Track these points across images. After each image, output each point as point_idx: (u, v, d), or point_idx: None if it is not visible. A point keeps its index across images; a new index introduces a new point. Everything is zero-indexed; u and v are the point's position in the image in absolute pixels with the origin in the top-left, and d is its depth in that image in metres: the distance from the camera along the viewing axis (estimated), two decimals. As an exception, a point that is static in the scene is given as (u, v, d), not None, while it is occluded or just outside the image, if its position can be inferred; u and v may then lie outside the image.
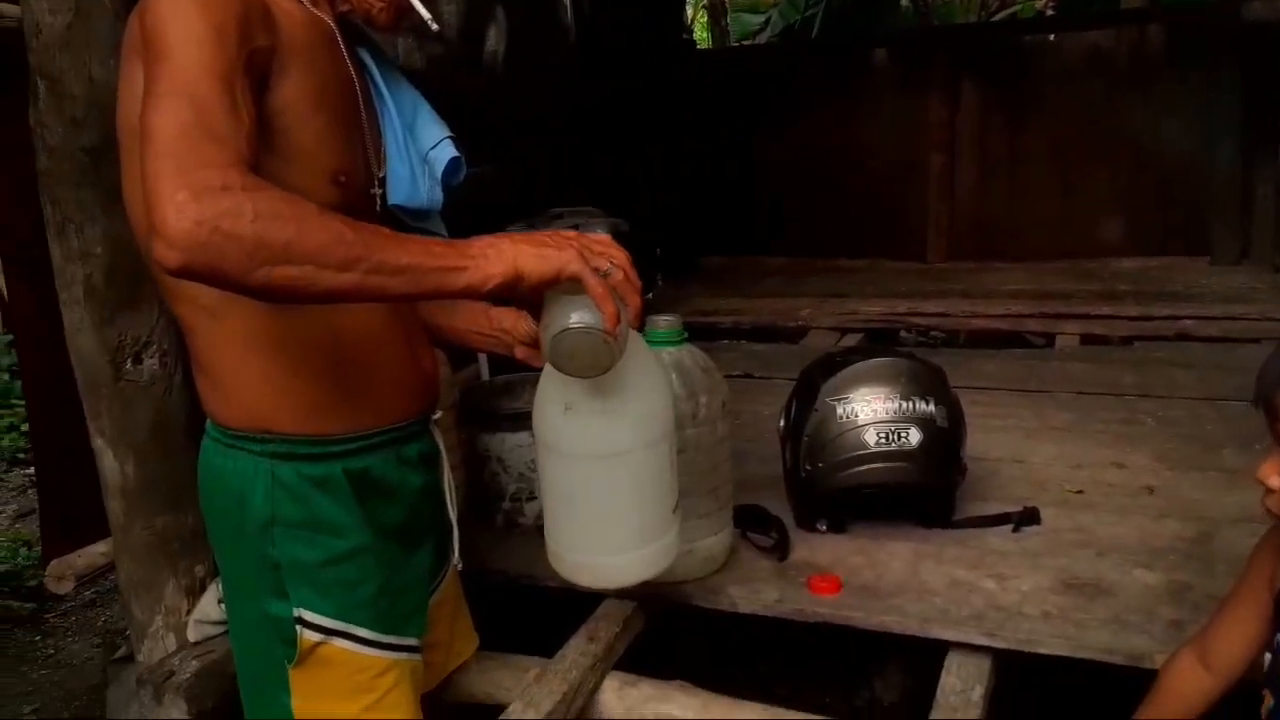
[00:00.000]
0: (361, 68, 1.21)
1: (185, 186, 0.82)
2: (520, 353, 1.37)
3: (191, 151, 0.85)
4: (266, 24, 1.02)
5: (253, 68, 0.98)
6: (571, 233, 1.04)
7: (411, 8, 1.16)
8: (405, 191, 1.22)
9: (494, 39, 3.43)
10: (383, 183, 1.21)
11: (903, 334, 4.02)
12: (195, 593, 1.59)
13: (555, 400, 1.23)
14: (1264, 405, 1.00)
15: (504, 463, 1.93)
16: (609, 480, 1.25)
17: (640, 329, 1.07)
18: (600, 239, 1.06)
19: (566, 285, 1.01)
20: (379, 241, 0.91)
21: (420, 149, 1.26)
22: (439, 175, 1.26)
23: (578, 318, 1.03)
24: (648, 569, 1.30)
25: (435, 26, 1.16)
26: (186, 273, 0.84)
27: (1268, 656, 1.10)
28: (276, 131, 1.03)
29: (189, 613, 1.58)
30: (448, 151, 1.27)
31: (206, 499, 1.20)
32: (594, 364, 1.08)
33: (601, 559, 1.29)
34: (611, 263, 1.03)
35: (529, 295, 1.01)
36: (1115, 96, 4.50)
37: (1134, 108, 4.46)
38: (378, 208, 1.20)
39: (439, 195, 1.27)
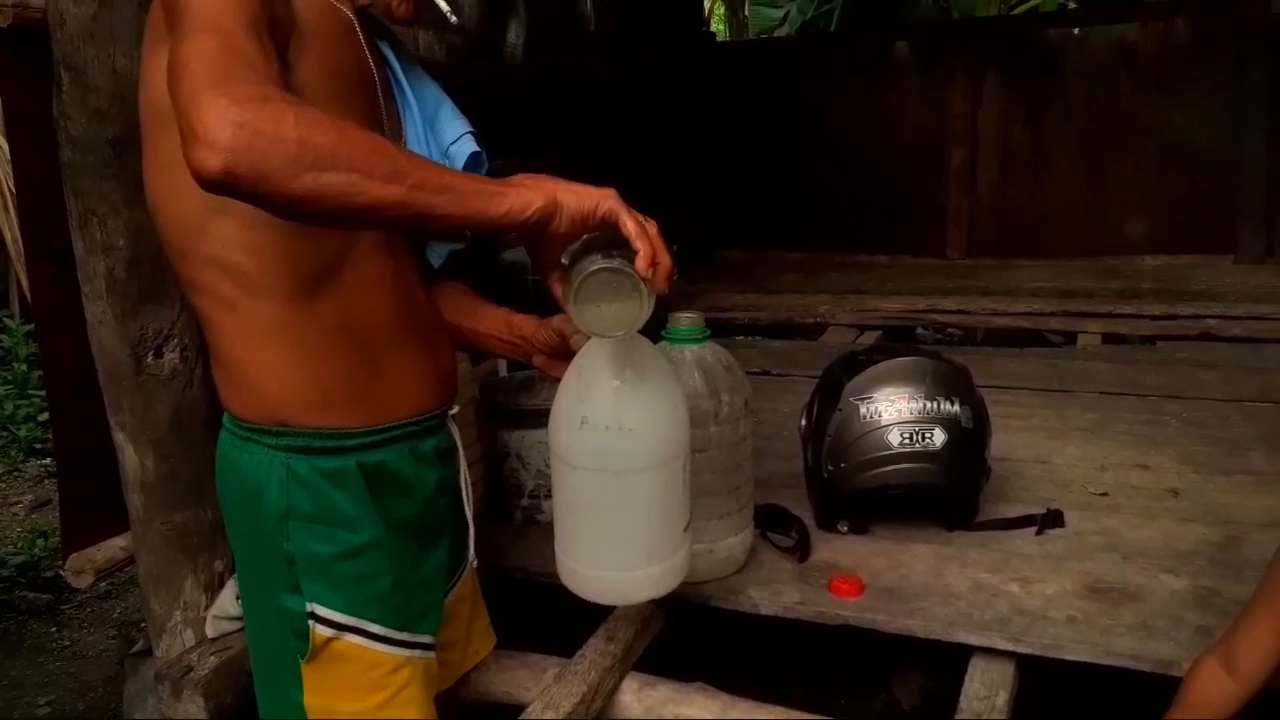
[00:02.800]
0: (382, 60, 1.19)
1: (225, 95, 0.80)
2: (538, 361, 1.36)
3: (226, 70, 0.83)
4: (286, 4, 1.01)
5: (274, 34, 0.96)
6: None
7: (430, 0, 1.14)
8: None
9: (514, 31, 3.41)
10: None
11: (919, 331, 3.99)
12: (214, 588, 1.59)
13: (572, 412, 1.22)
14: None
15: (523, 459, 1.92)
16: (620, 497, 1.24)
17: (668, 293, 1.05)
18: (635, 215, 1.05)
19: (598, 237, 1.02)
20: (420, 160, 0.92)
21: (441, 144, 1.25)
22: (460, 170, 1.25)
23: (608, 260, 1.03)
24: (655, 588, 1.30)
25: (454, 18, 1.16)
26: (228, 178, 0.81)
27: None
28: None
29: (207, 608, 1.58)
30: (468, 147, 1.26)
31: (223, 492, 1.19)
32: (621, 316, 1.06)
33: (609, 574, 1.29)
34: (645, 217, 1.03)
35: (564, 233, 1.01)
36: (1140, 91, 4.46)
37: (1159, 103, 4.41)
38: None
39: None
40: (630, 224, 1.00)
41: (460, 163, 1.25)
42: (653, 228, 1.03)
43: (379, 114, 1.16)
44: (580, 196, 1.00)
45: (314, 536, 1.13)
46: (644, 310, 1.06)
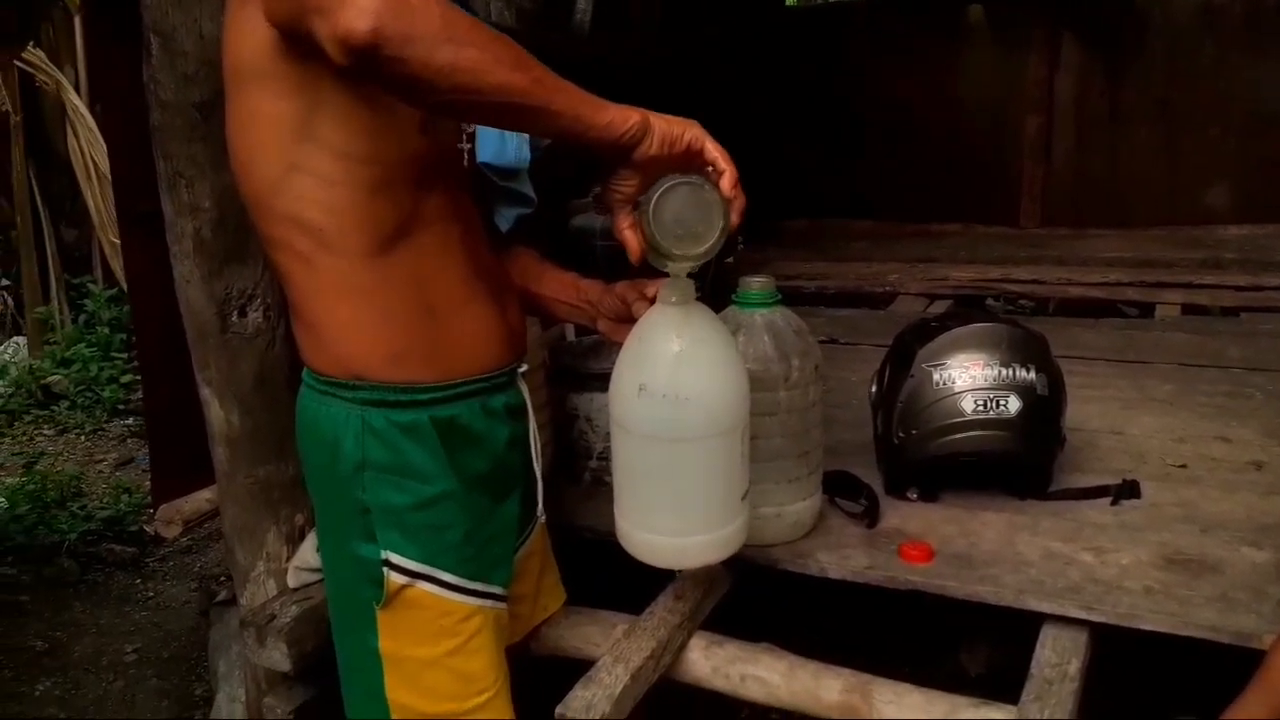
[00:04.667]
0: None
1: None
2: (603, 326, 1.38)
3: None
4: None
5: None
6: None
7: None
8: (493, 149, 1.23)
9: (583, 2, 3.40)
10: (471, 138, 1.21)
11: (990, 302, 3.92)
12: (295, 540, 1.64)
13: (630, 379, 1.23)
14: None
15: (592, 421, 1.94)
16: (676, 464, 1.26)
17: (737, 245, 1.09)
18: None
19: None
20: (535, 60, 0.96)
21: None
22: (528, 134, 1.27)
23: (689, 177, 1.07)
24: (708, 555, 1.33)
25: None
26: (377, 38, 0.86)
27: None
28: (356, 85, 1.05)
29: (289, 560, 1.63)
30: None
31: (303, 444, 1.24)
32: (696, 234, 1.08)
33: (663, 539, 1.31)
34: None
35: (653, 155, 1.04)
36: (1226, 55, 4.29)
37: (1247, 67, 4.24)
38: (465, 162, 1.21)
39: (526, 154, 1.28)
40: (713, 149, 1.06)
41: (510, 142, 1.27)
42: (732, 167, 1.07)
43: None
44: (670, 122, 1.05)
45: (389, 487, 1.16)
46: (720, 228, 1.08)
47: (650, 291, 1.29)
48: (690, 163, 1.08)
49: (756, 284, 1.62)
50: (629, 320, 1.31)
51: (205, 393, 1.56)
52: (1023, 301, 3.94)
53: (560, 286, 1.42)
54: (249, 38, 1.05)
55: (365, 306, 1.13)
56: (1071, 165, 4.61)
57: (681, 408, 1.22)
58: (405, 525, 1.17)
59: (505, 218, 1.38)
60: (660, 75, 3.96)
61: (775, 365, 1.60)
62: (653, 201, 1.05)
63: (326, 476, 1.20)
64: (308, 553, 1.63)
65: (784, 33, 5.08)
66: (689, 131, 1.06)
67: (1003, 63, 4.64)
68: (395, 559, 1.17)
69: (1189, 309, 3.32)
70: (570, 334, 2.51)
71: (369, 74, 0.92)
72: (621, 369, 1.25)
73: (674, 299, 1.22)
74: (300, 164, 1.08)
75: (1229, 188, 4.34)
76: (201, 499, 1.79)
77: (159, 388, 1.76)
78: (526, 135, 1.28)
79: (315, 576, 1.61)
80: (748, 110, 4.69)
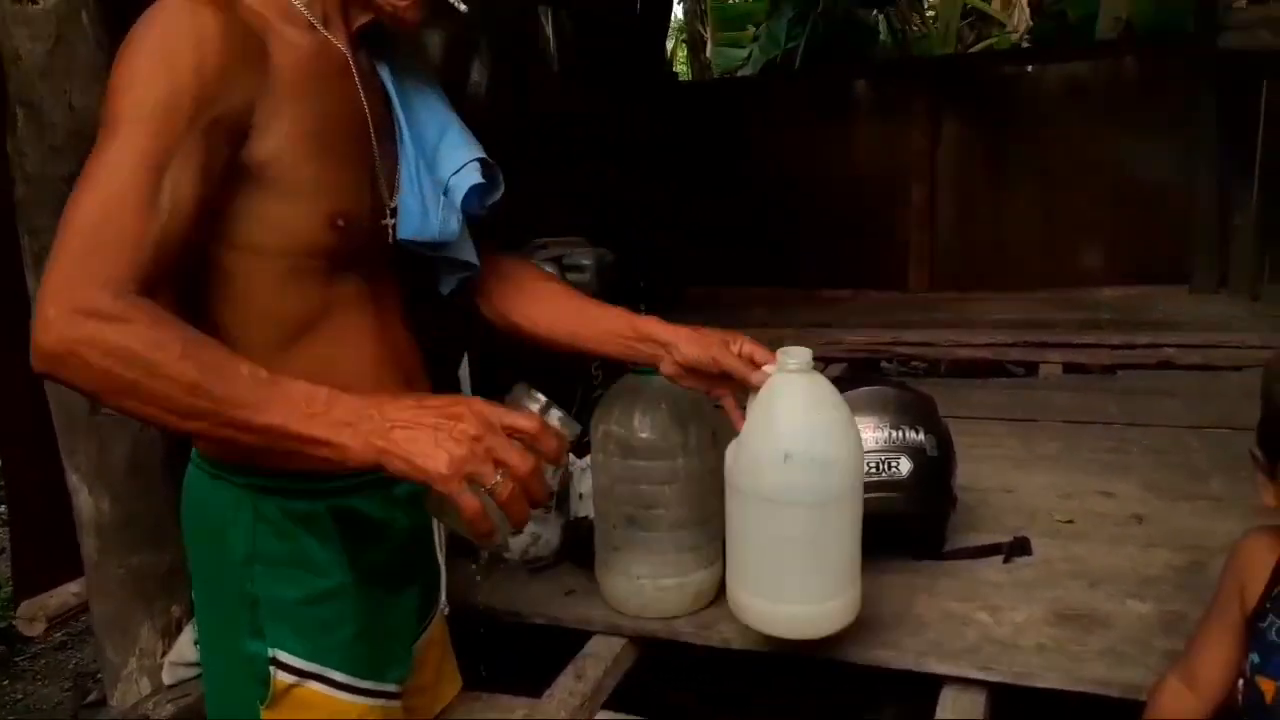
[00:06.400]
0: (382, 90, 1.17)
1: (58, 303, 0.85)
2: (670, 369, 1.36)
3: (80, 264, 0.87)
4: (256, 68, 0.99)
5: (220, 130, 0.96)
6: (479, 415, 0.91)
7: None
8: (414, 225, 1.17)
9: (478, 70, 3.43)
10: (394, 213, 1.17)
11: (884, 364, 4.02)
12: (171, 634, 1.55)
13: (772, 450, 1.30)
14: None
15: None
16: (823, 527, 1.33)
17: (519, 530, 0.96)
18: (523, 423, 0.93)
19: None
20: (241, 395, 0.88)
21: (441, 176, 1.22)
22: (458, 203, 1.21)
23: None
24: (850, 614, 1.43)
25: (463, 7, 1.10)
26: (48, 378, 0.89)
27: (1241, 682, 1.09)
28: (267, 177, 1.01)
29: (164, 655, 1.54)
30: (469, 179, 1.22)
31: (187, 530, 1.17)
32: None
33: (808, 608, 1.38)
34: (505, 472, 0.90)
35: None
36: (1094, 126, 4.56)
37: (1113, 137, 4.51)
38: (391, 240, 1.17)
39: (454, 227, 1.21)
40: (465, 508, 0.88)
41: (459, 196, 1.21)
42: (520, 465, 0.89)
43: (370, 158, 1.13)
44: (408, 464, 0.88)
45: (280, 580, 1.10)
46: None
47: (760, 358, 1.33)
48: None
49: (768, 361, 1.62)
50: (706, 374, 1.35)
51: (73, 479, 1.48)
52: (915, 363, 4.06)
53: (610, 322, 1.37)
54: None
55: None
56: (956, 232, 4.81)
57: (828, 472, 1.30)
58: (295, 620, 1.11)
59: (447, 283, 1.34)
60: (558, 144, 4.01)
61: (673, 433, 1.60)
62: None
63: (212, 566, 1.14)
64: (185, 647, 1.54)
65: (679, 107, 5.21)
66: (435, 482, 0.88)
67: (888, 135, 4.84)
68: (283, 656, 1.11)
69: (1070, 368, 3.46)
70: (468, 405, 2.47)
71: None
72: (757, 441, 1.30)
73: (793, 365, 1.31)
74: (200, 258, 1.03)
75: (1102, 251, 4.58)
76: (68, 593, 1.68)
77: (23, 474, 1.66)
78: (455, 203, 1.23)
79: (193, 672, 1.52)
80: (646, 180, 4.78)
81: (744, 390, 1.38)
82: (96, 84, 1.28)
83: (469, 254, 1.28)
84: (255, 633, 1.10)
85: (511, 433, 0.91)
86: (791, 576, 1.35)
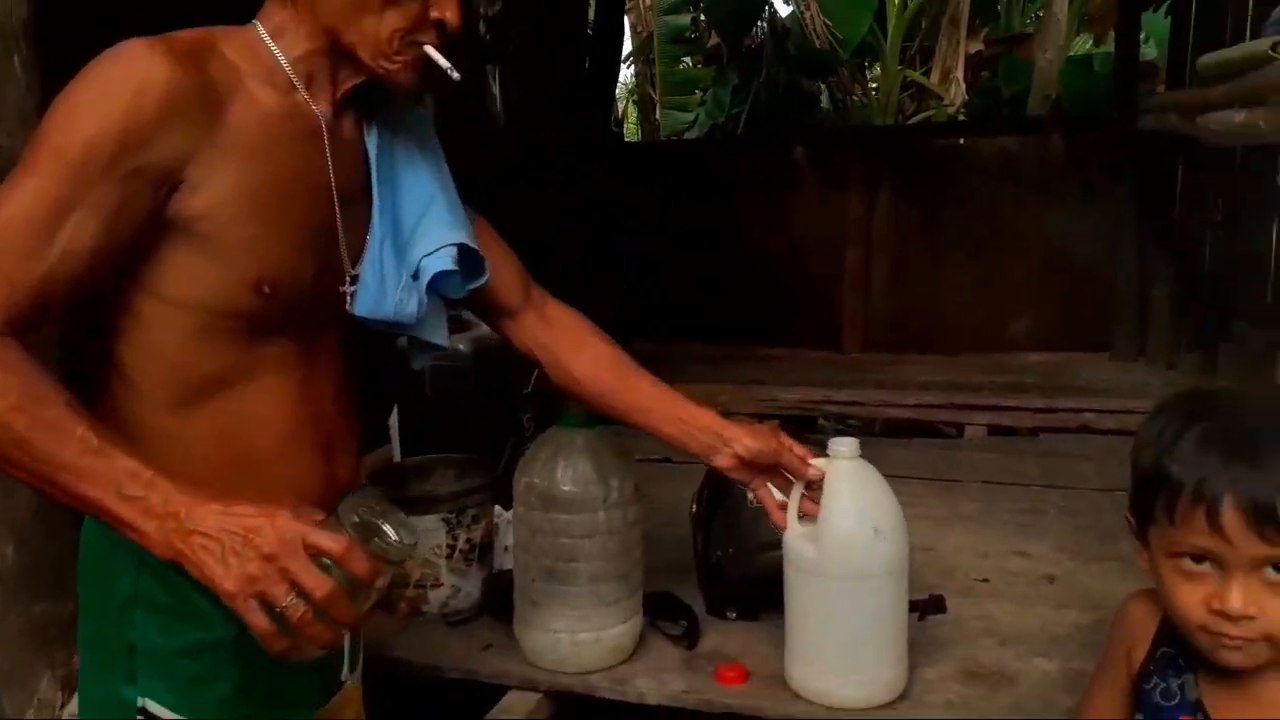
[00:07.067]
0: (363, 156, 1.17)
1: None
2: (725, 461, 1.44)
3: None
4: (201, 123, 0.99)
5: (143, 180, 0.96)
6: (279, 532, 0.90)
7: (431, 61, 1.11)
8: (370, 303, 1.16)
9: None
10: (355, 280, 1.16)
11: (821, 422, 4.08)
12: (72, 685, 1.51)
13: (863, 525, 1.46)
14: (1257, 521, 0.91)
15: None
16: (898, 596, 1.52)
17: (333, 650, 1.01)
18: (326, 543, 0.91)
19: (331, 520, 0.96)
20: (65, 459, 0.89)
21: (412, 257, 1.20)
22: (423, 286, 1.20)
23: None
24: (904, 681, 1.56)
25: (456, 75, 1.10)
26: None
27: None
28: (195, 232, 1.01)
29: (64, 706, 1.50)
30: (439, 264, 1.20)
31: (80, 570, 1.15)
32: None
33: (883, 675, 1.53)
34: (298, 593, 0.89)
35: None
36: (1023, 199, 4.73)
37: (1040, 210, 4.68)
38: (350, 308, 1.16)
39: (411, 309, 1.19)
40: (254, 625, 0.89)
41: (425, 279, 1.20)
42: (318, 587, 0.88)
43: (325, 225, 1.12)
44: (201, 570, 0.89)
45: (159, 628, 1.08)
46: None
47: (803, 453, 1.46)
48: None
49: (576, 406, 1.65)
50: (764, 470, 1.46)
51: (-24, 524, 1.44)
52: (851, 421, 4.13)
53: (659, 399, 1.45)
54: None
55: (162, 449, 1.04)
56: (889, 296, 4.92)
57: (901, 542, 1.50)
58: (170, 671, 1.08)
59: (417, 359, 1.33)
60: (504, 198, 4.05)
61: (594, 486, 1.62)
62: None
63: (96, 608, 1.12)
64: (86, 698, 1.49)
65: (625, 166, 5.30)
66: (223, 597, 0.89)
67: (825, 201, 4.96)
68: (152, 707, 1.07)
69: (995, 429, 3.55)
70: (397, 455, 2.46)
71: None
72: (846, 517, 1.46)
73: (848, 453, 1.49)
74: (114, 298, 1.03)
75: (1029, 319, 4.72)
76: (-33, 641, 1.63)
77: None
78: (421, 286, 1.22)
79: (93, 724, 1.47)
80: (592, 237, 4.84)
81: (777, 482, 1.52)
82: (24, 128, 1.28)
83: (437, 336, 1.27)
84: (128, 679, 1.08)
85: (315, 552, 0.90)
86: (870, 648, 1.51)
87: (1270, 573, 0.92)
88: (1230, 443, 0.93)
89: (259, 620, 0.89)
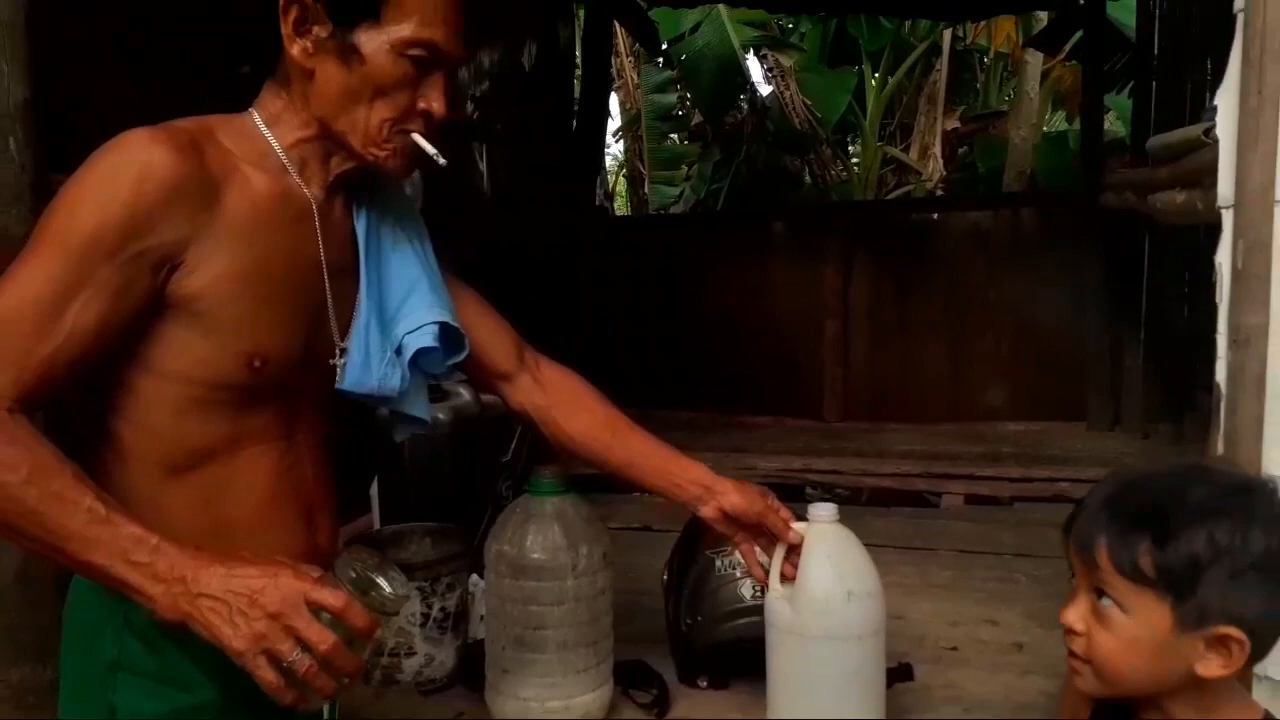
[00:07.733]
0: (352, 235, 1.23)
1: None
2: (710, 513, 1.49)
3: None
4: (199, 209, 1.04)
5: (144, 263, 1.02)
6: (282, 590, 0.95)
7: (419, 148, 1.16)
8: (354, 376, 1.21)
9: (410, 191, 3.56)
10: (344, 353, 1.21)
11: (808, 492, 4.12)
12: (47, 751, 1.52)
13: (835, 589, 1.48)
14: (1077, 549, 1.05)
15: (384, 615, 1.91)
16: (877, 655, 1.54)
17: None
18: (328, 599, 0.96)
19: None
20: (73, 529, 0.93)
21: (396, 333, 1.26)
22: (406, 361, 1.25)
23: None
24: None
25: (443, 161, 1.15)
26: None
27: None
28: (191, 310, 1.06)
29: (38, 773, 1.51)
30: (421, 340, 1.26)
31: (64, 631, 1.17)
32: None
33: None
34: (304, 649, 0.94)
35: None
36: (997, 271, 4.85)
37: (1014, 282, 4.80)
38: (339, 381, 1.21)
39: (394, 383, 1.24)
40: (263, 680, 0.93)
41: (408, 354, 1.26)
42: (321, 641, 0.94)
43: (316, 301, 1.18)
44: (209, 630, 0.94)
45: (141, 691, 1.10)
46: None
47: (787, 516, 1.50)
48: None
49: (548, 473, 1.69)
50: (749, 529, 1.52)
51: (-41, 590, 1.47)
52: (838, 491, 4.17)
53: (651, 456, 1.53)
54: None
55: (147, 516, 1.05)
56: (867, 366, 5.01)
57: (877, 601, 1.52)
58: None
59: (400, 431, 1.38)
60: (490, 269, 4.14)
61: (563, 554, 1.65)
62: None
63: (79, 669, 1.15)
64: (60, 765, 1.51)
65: (610, 239, 5.41)
66: (232, 655, 0.94)
67: (804, 272, 5.08)
68: None
69: (972, 499, 3.60)
70: (376, 523, 2.49)
71: None
72: (819, 582, 1.48)
73: (827, 517, 1.53)
74: (109, 372, 1.07)
75: (1006, 389, 4.80)
76: (-56, 709, 1.63)
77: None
78: (403, 362, 1.25)
79: (67, 792, 1.48)
80: (577, 306, 4.93)
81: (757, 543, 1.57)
82: (15, 206, 1.33)
83: (419, 410, 1.32)
84: None
85: (317, 608, 0.95)
86: (847, 711, 1.50)
87: (1105, 602, 1.00)
88: (1102, 500, 1.05)
89: (268, 675, 0.93)
